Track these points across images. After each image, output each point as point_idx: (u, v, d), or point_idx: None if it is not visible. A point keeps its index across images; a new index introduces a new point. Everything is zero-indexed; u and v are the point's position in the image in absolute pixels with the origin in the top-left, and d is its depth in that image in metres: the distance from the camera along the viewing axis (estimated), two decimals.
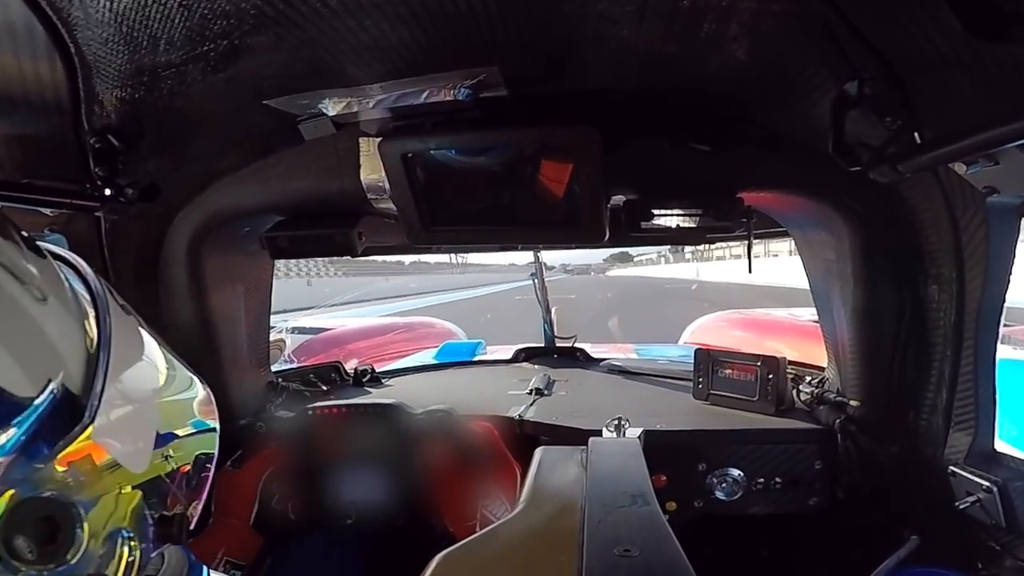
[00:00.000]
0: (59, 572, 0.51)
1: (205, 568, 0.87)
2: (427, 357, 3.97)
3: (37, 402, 0.50)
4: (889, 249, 1.47)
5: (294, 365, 3.05)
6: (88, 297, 0.65)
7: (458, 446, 1.93)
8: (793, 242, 1.89)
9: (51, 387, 0.52)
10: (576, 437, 1.75)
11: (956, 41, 0.88)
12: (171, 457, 0.72)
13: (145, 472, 0.65)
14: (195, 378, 0.86)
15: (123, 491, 0.61)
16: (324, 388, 2.43)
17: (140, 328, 0.73)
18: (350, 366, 2.70)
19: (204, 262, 1.83)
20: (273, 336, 2.59)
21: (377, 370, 2.73)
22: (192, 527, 0.78)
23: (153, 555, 0.67)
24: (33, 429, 0.49)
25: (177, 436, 0.75)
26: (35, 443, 0.50)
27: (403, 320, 7.27)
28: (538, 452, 1.46)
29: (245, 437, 2.01)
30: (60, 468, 0.52)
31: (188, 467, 0.77)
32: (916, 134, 1.03)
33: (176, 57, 1.15)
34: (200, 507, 0.82)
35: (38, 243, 0.62)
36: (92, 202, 1.40)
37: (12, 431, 0.48)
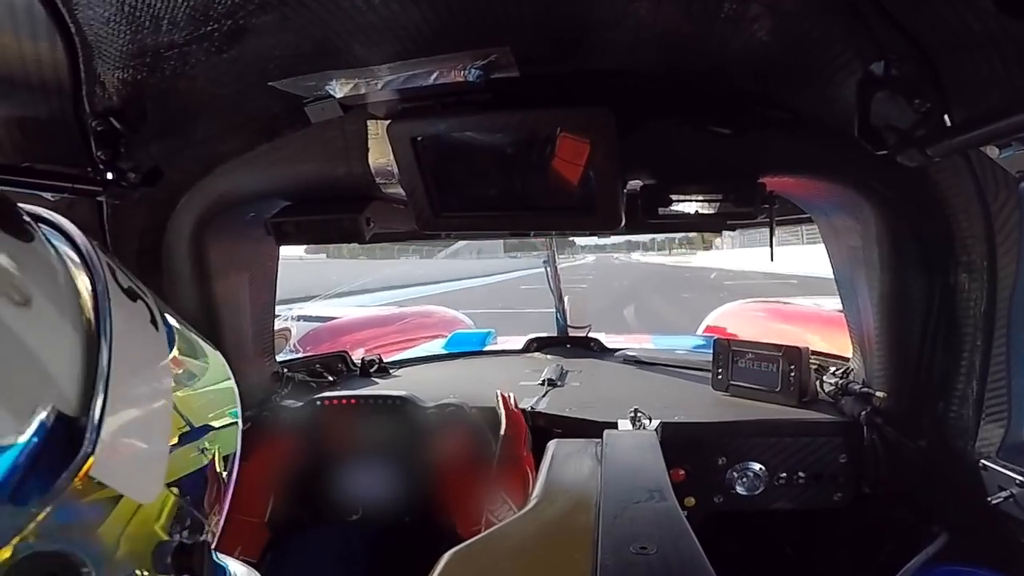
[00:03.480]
0: None
1: (225, 563, 0.81)
2: (436, 347, 3.99)
3: (23, 437, 0.42)
4: (917, 235, 1.47)
5: (300, 355, 3.07)
6: (87, 280, 0.54)
7: (470, 441, 1.93)
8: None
9: (39, 416, 0.44)
10: (590, 430, 1.76)
11: (988, 20, 0.87)
12: (188, 475, 0.64)
13: (157, 500, 0.56)
14: (214, 361, 0.77)
15: (132, 527, 0.53)
16: (331, 379, 2.45)
17: (152, 316, 0.62)
18: (357, 356, 2.72)
19: (208, 248, 1.84)
20: (278, 325, 2.61)
21: (385, 360, 2.74)
22: (214, 545, 0.71)
23: None
24: (22, 470, 0.42)
25: (194, 446, 0.66)
26: (26, 487, 0.42)
27: (410, 309, 7.30)
28: (551, 445, 1.47)
29: (250, 429, 2.02)
30: (58, 512, 0.44)
31: (208, 481, 0.68)
32: (946, 116, 1.02)
33: (180, 37, 1.16)
34: (221, 523, 0.74)
35: (22, 213, 0.52)
36: (94, 186, 1.42)
37: None
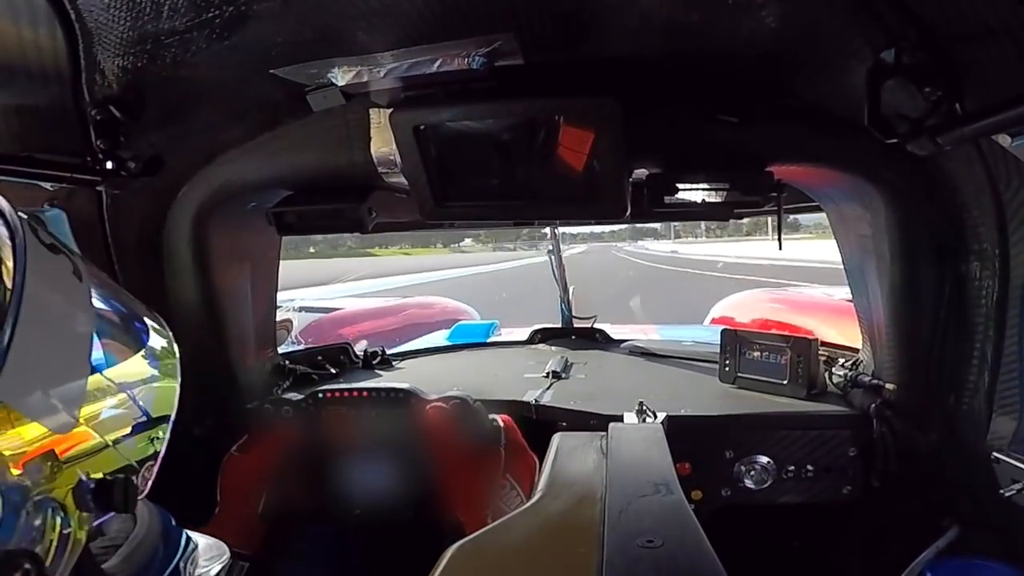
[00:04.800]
0: None
1: (185, 532, 0.86)
2: (439, 338, 3.99)
3: None
4: (928, 224, 1.47)
5: (302, 346, 3.07)
6: (6, 235, 0.60)
7: (473, 434, 1.93)
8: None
9: None
10: (596, 422, 1.76)
11: (1000, 8, 0.87)
12: (112, 416, 0.69)
13: (75, 435, 0.61)
14: (155, 326, 0.82)
15: (46, 457, 0.57)
16: (333, 371, 2.45)
17: (76, 269, 0.67)
18: (360, 348, 2.72)
19: (209, 238, 1.85)
20: (280, 316, 2.61)
21: (388, 352, 2.74)
22: (146, 491, 0.75)
23: (96, 523, 0.64)
24: None
25: (122, 391, 0.71)
26: None
27: (413, 300, 7.31)
28: (555, 438, 1.48)
29: (251, 422, 2.03)
30: None
31: (135, 427, 0.72)
32: (957, 105, 1.02)
33: (180, 24, 1.16)
34: (155, 470, 0.77)
35: None
36: (93, 176, 1.42)
37: None
